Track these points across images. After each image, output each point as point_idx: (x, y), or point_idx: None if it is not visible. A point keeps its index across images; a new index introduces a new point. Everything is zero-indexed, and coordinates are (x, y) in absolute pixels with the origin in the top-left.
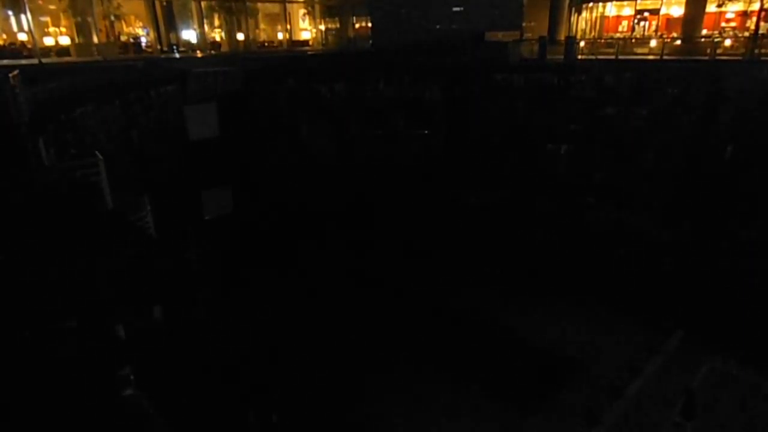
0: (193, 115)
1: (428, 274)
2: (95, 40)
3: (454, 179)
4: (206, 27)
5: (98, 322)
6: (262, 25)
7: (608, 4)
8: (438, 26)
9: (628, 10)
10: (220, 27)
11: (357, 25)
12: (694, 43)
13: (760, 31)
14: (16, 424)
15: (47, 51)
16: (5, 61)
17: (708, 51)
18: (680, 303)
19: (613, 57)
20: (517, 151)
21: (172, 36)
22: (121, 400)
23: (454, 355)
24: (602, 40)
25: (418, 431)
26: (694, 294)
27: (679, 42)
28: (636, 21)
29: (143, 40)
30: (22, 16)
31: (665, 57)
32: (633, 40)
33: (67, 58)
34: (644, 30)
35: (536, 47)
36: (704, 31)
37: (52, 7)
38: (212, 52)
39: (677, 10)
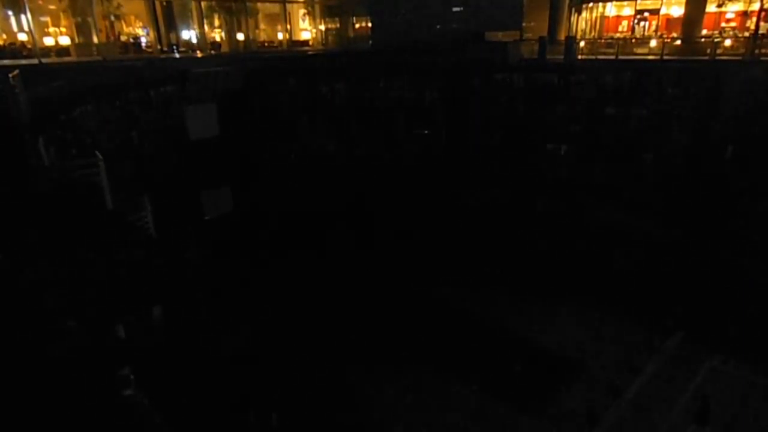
0: (193, 115)
1: (428, 274)
2: (95, 40)
3: (454, 179)
4: (206, 27)
5: (98, 322)
6: (262, 25)
7: (608, 4)
8: (438, 26)
9: (628, 10)
10: (220, 27)
11: (357, 25)
12: (694, 43)
13: (760, 31)
14: (17, 424)
15: (47, 51)
16: (5, 61)
17: (708, 51)
18: (680, 303)
19: (613, 57)
20: (517, 151)
21: (172, 36)
22: (121, 400)
23: (454, 355)
24: (602, 40)
25: (418, 431)
26: (694, 294)
27: (679, 42)
28: (636, 21)
29: (143, 40)
30: (22, 16)
31: (665, 57)
32: (633, 40)
33: (67, 58)
34: (644, 30)
35: (536, 47)
36: (704, 31)
37: (52, 7)
38: (212, 52)
39: (677, 10)
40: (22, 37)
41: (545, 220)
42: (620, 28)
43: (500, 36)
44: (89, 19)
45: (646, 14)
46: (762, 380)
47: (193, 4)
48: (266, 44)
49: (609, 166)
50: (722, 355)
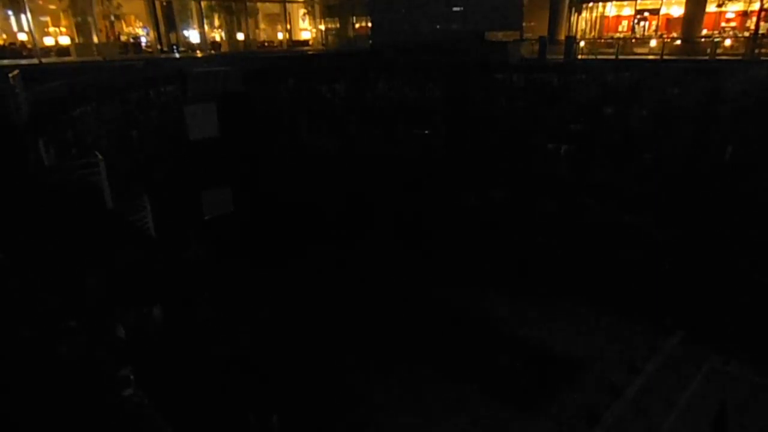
0: (193, 115)
1: (428, 273)
2: (95, 40)
3: (454, 179)
4: (206, 27)
5: (98, 322)
6: (262, 25)
7: (608, 4)
8: (438, 26)
9: (628, 10)
10: (220, 27)
11: (357, 25)
12: (694, 43)
13: (760, 31)
14: (16, 425)
15: (47, 51)
16: (5, 61)
17: (708, 51)
18: (680, 303)
19: (613, 57)
20: (518, 151)
21: (172, 36)
22: (121, 400)
23: (454, 355)
24: (602, 40)
25: (418, 431)
26: (694, 294)
27: (679, 42)
28: (636, 21)
29: (143, 40)
30: (22, 16)
31: (665, 57)
32: (633, 40)
33: (67, 58)
34: (644, 30)
35: (536, 47)
36: (704, 31)
37: (52, 7)
38: (212, 52)
39: (677, 10)
40: (22, 37)
41: (545, 220)
42: (620, 28)
43: (500, 36)
44: (89, 19)
45: (646, 14)
46: (762, 380)
47: (193, 4)
48: (266, 44)
49: (609, 166)
50: (722, 355)
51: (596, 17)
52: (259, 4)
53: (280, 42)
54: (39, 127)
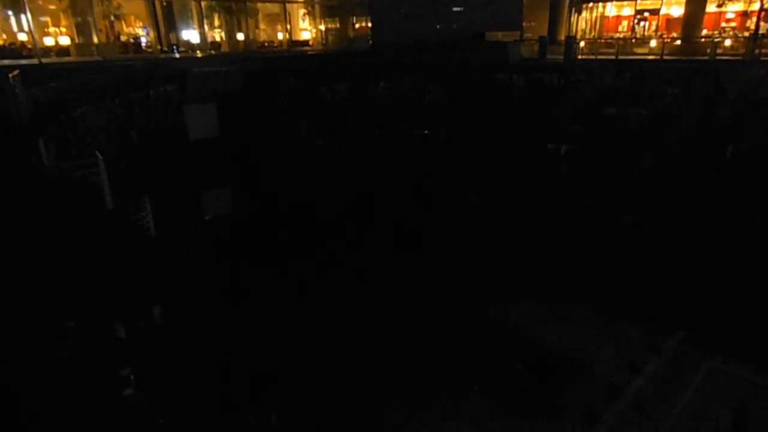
0: (193, 115)
1: (428, 273)
2: (95, 40)
3: (454, 179)
4: (206, 27)
5: (98, 322)
6: (262, 25)
7: (608, 4)
8: (438, 26)
9: (628, 10)
10: (220, 27)
11: (357, 25)
12: (694, 43)
13: (760, 31)
14: (17, 424)
15: (47, 51)
16: (5, 61)
17: (708, 51)
18: (680, 303)
19: (613, 57)
20: (518, 151)
21: (172, 36)
22: (121, 400)
23: (454, 355)
24: (602, 40)
25: (418, 431)
26: (694, 294)
27: (679, 42)
28: (636, 21)
29: (143, 40)
30: (22, 16)
31: (665, 57)
32: (633, 40)
33: (67, 58)
34: (644, 30)
35: (536, 47)
36: (704, 31)
37: (52, 7)
38: (212, 52)
39: (677, 10)
40: (22, 37)
41: (545, 220)
42: (620, 28)
43: (500, 36)
44: (89, 19)
45: (646, 14)
46: (762, 380)
47: (193, 4)
48: (266, 44)
49: (609, 166)
50: (722, 355)
51: (596, 17)
52: (259, 4)
53: (280, 42)
54: (39, 127)
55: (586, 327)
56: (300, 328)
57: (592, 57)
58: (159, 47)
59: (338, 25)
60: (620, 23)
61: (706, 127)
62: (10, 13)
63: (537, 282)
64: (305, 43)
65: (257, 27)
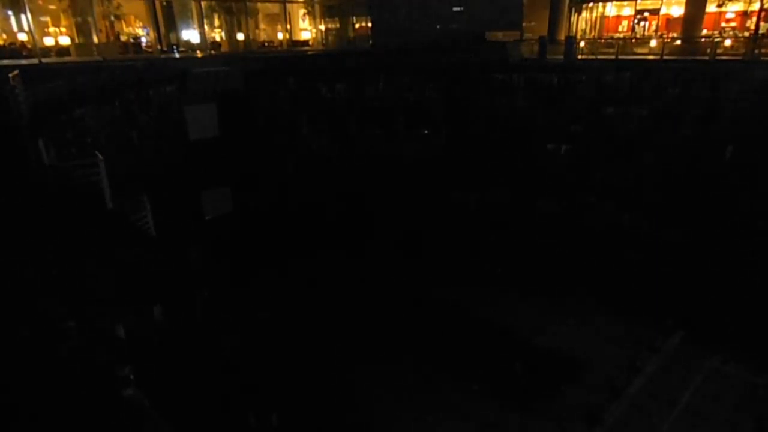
0: (193, 115)
1: (428, 273)
2: (95, 40)
3: (454, 179)
4: (206, 27)
5: (98, 322)
6: (262, 25)
7: (608, 4)
8: (438, 26)
9: (628, 10)
10: (220, 27)
11: (357, 25)
12: (694, 43)
13: (760, 31)
14: (17, 424)
15: (47, 51)
16: (5, 61)
17: (708, 51)
18: (680, 303)
19: (613, 57)
20: (517, 150)
21: (172, 36)
22: (121, 400)
23: (454, 355)
24: (602, 40)
25: (418, 431)
26: (694, 294)
27: (679, 42)
28: (636, 21)
29: (143, 40)
30: (22, 16)
31: (665, 57)
32: (633, 40)
33: (67, 58)
34: (644, 30)
35: (536, 47)
36: (704, 31)
37: (52, 7)
38: (212, 52)
39: (677, 10)
40: (22, 37)
41: (545, 220)
42: (620, 28)
43: (500, 36)
44: (89, 19)
45: (646, 14)
46: (762, 380)
47: (193, 4)
48: (266, 44)
49: (609, 166)
50: (722, 355)
51: (596, 17)
52: (259, 4)
53: (280, 42)
54: (39, 127)
55: (586, 327)
56: (300, 327)
57: (592, 57)
58: (159, 47)
59: (338, 25)
60: (620, 23)
61: (706, 126)
62: (10, 13)
63: (537, 282)
64: (305, 43)
65: (257, 27)
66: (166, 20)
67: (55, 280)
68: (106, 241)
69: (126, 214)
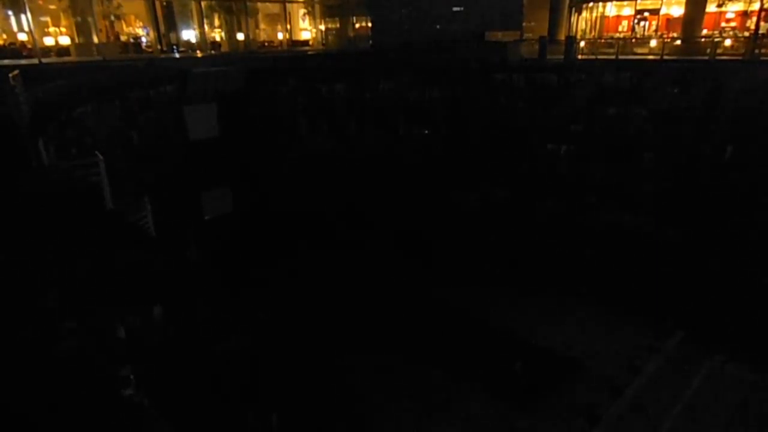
0: (193, 115)
1: (427, 273)
2: (95, 40)
3: (454, 179)
4: (206, 27)
5: (98, 322)
6: (262, 25)
7: (608, 4)
8: (438, 26)
9: (628, 10)
10: (220, 27)
11: (357, 25)
12: (694, 43)
13: (760, 31)
14: (17, 424)
15: (47, 51)
16: (5, 61)
17: (708, 51)
18: (680, 303)
19: (613, 57)
20: (517, 150)
21: (172, 36)
22: (121, 400)
23: (454, 355)
24: (602, 40)
25: (418, 430)
26: (694, 294)
27: (679, 42)
28: (636, 21)
29: (143, 40)
30: (22, 16)
31: (665, 57)
32: (633, 40)
33: (67, 58)
34: (644, 30)
35: (536, 47)
36: (704, 31)
37: (52, 7)
38: (212, 52)
39: (677, 10)
40: (22, 37)
41: (545, 220)
42: (620, 28)
43: (500, 36)
44: (89, 19)
45: (646, 14)
46: (762, 381)
47: (194, 4)
48: (266, 44)
49: (609, 166)
50: (722, 355)
51: (596, 17)
52: (259, 4)
53: (280, 42)
54: (39, 127)
55: (586, 327)
56: (300, 327)
57: (592, 57)
58: (159, 47)
59: (338, 25)
60: (620, 23)
61: (706, 127)
62: (10, 12)
63: (537, 282)
64: (305, 43)
65: (257, 27)
66: (166, 20)
67: (55, 280)
68: (105, 241)
69: (126, 214)
